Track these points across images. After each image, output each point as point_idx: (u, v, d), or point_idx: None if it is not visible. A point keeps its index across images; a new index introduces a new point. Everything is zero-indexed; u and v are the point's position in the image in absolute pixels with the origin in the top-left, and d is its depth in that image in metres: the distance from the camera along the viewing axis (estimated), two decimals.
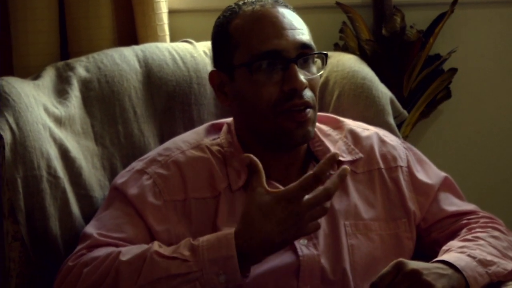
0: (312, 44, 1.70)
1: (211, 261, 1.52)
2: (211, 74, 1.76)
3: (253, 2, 1.72)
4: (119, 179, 1.73)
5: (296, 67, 1.66)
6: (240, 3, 1.74)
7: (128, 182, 1.70)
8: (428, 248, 1.80)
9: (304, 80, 1.66)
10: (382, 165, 1.79)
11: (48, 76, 1.89)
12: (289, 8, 1.73)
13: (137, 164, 1.74)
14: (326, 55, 1.75)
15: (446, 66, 2.27)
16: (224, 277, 1.51)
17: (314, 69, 1.71)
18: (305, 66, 1.69)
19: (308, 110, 1.67)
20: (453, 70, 2.27)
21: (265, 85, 1.66)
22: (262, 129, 1.69)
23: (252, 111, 1.69)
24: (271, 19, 1.69)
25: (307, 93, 1.67)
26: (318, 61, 1.80)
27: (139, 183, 1.69)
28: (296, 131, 1.67)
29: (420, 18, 2.24)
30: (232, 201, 1.69)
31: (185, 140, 1.76)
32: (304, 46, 1.68)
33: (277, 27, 1.68)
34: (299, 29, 1.70)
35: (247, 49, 1.68)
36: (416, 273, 1.54)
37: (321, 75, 1.77)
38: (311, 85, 1.69)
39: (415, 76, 2.23)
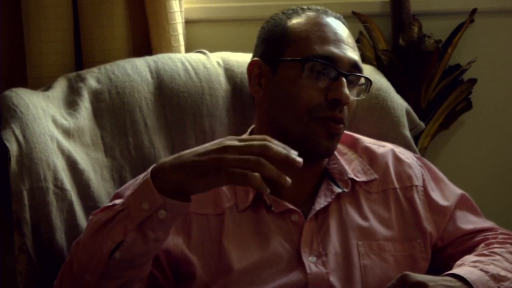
0: (362, 68, 1.72)
1: (133, 195, 1.48)
2: (252, 63, 1.76)
3: (318, 10, 1.75)
4: (122, 187, 1.72)
5: (345, 80, 1.66)
6: (304, 7, 1.77)
7: (130, 187, 1.67)
8: (442, 263, 1.77)
9: (349, 95, 1.67)
10: (397, 185, 1.78)
11: (59, 87, 1.89)
12: (347, 28, 1.76)
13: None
14: (371, 82, 1.76)
15: (465, 77, 2.25)
16: (147, 204, 1.45)
17: (355, 92, 1.72)
18: (350, 85, 1.70)
19: (341, 125, 1.68)
20: (473, 81, 2.25)
21: (309, 87, 1.68)
22: (291, 129, 1.69)
23: (287, 109, 1.68)
24: (334, 29, 1.72)
25: (345, 111, 1.68)
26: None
27: None
28: (324, 142, 1.68)
29: (439, 28, 2.22)
30: (238, 221, 1.68)
31: None
32: (355, 65, 1.71)
33: (338, 38, 1.71)
34: (355, 49, 1.73)
35: (303, 47, 1.69)
36: (422, 285, 1.51)
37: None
38: (349, 105, 1.70)
39: (434, 86, 2.21)
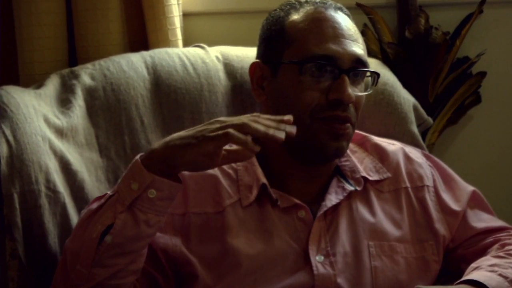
0: (367, 61, 1.68)
1: (123, 179, 1.52)
2: (253, 65, 1.73)
3: (316, 3, 1.70)
4: None
5: (347, 78, 1.62)
6: (302, 0, 1.72)
7: None
8: (453, 265, 1.74)
9: (352, 94, 1.63)
10: (408, 184, 1.76)
11: (52, 85, 1.86)
12: (350, 18, 1.71)
13: None
14: (378, 75, 1.72)
15: (474, 70, 2.23)
16: (136, 184, 1.49)
17: (362, 86, 1.68)
18: (354, 81, 1.66)
19: (347, 124, 1.64)
20: (482, 74, 2.23)
21: (310, 88, 1.64)
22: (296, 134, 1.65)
23: (288, 112, 1.63)
24: (332, 24, 1.67)
25: (351, 109, 1.64)
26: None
27: None
28: (330, 144, 1.64)
29: (446, 19, 2.19)
30: (242, 217, 1.66)
31: None
32: (358, 60, 1.66)
33: (337, 33, 1.66)
34: (357, 42, 1.68)
35: (301, 48, 1.66)
36: None
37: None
38: (356, 102, 1.66)
39: (441, 80, 2.19)
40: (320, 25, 1.67)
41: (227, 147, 1.49)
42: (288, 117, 1.50)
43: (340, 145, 1.65)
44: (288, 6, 1.72)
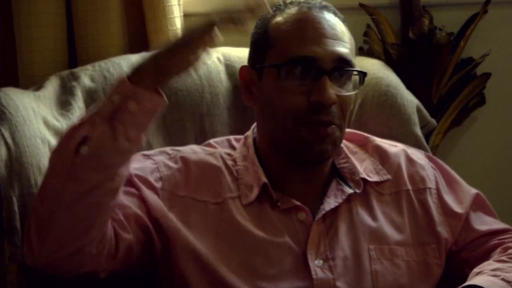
0: (351, 60, 1.64)
1: (108, 94, 1.51)
2: (242, 69, 1.72)
3: (300, 3, 1.67)
4: None
5: (327, 79, 1.60)
6: (288, 1, 1.70)
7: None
8: (456, 268, 1.73)
9: (333, 95, 1.60)
10: (410, 187, 1.74)
11: (51, 86, 1.85)
12: (338, 17, 1.68)
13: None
14: (364, 74, 1.68)
15: (479, 71, 2.23)
16: (117, 97, 1.48)
17: (349, 86, 1.65)
18: (339, 81, 1.63)
19: (332, 126, 1.62)
20: (487, 75, 2.22)
21: (291, 92, 1.62)
22: (280, 137, 1.65)
23: (272, 116, 1.65)
24: (314, 24, 1.64)
25: (334, 110, 1.61)
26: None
27: (142, 163, 1.68)
28: (314, 146, 1.62)
29: (450, 20, 2.19)
30: (240, 214, 1.65)
31: (201, 147, 1.76)
32: (341, 59, 1.63)
33: (318, 34, 1.63)
34: (341, 40, 1.64)
35: (281, 51, 1.63)
36: None
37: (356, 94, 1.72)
38: (342, 103, 1.63)
39: (445, 81, 2.19)
40: (301, 26, 1.64)
41: None
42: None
43: (324, 147, 1.63)
44: (274, 8, 1.70)
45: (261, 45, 1.68)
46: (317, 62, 1.60)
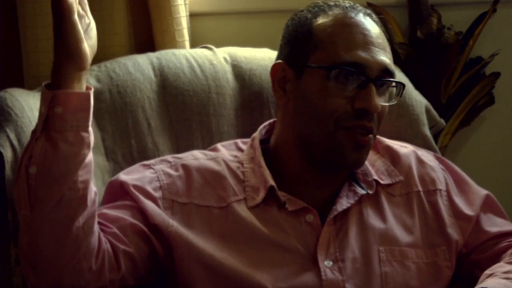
0: (394, 71, 1.65)
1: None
2: (276, 66, 1.70)
3: (345, 7, 1.67)
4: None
5: (374, 88, 1.60)
6: (330, 3, 1.69)
7: (127, 171, 1.69)
8: (467, 270, 1.72)
9: (379, 104, 1.60)
10: (420, 188, 1.74)
11: None
12: (378, 25, 1.68)
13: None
14: (403, 86, 1.69)
15: (488, 70, 2.21)
16: (43, 107, 1.49)
17: (386, 96, 1.66)
18: (380, 91, 1.63)
19: (370, 135, 1.62)
20: (496, 74, 2.21)
21: (336, 95, 1.62)
22: (316, 140, 1.64)
23: (311, 117, 1.63)
24: (363, 30, 1.64)
25: (375, 119, 1.62)
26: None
27: (141, 173, 1.67)
28: (351, 153, 1.62)
29: (459, 19, 2.18)
30: (246, 217, 1.64)
31: (203, 152, 1.74)
32: (386, 70, 1.64)
33: (367, 41, 1.64)
34: (386, 51, 1.65)
35: (329, 53, 1.63)
36: None
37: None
38: (380, 113, 1.64)
39: (454, 81, 2.17)
40: (349, 30, 1.63)
41: None
42: None
43: (360, 156, 1.63)
44: (316, 8, 1.69)
45: (303, 44, 1.66)
46: (365, 69, 1.61)
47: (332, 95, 1.61)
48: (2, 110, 1.69)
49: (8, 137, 1.66)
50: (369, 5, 2.14)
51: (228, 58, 1.97)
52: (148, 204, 1.62)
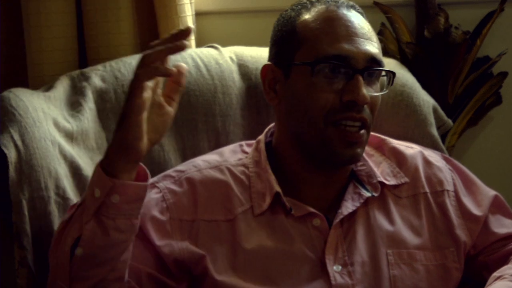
0: (382, 60, 1.64)
1: (89, 185, 1.50)
2: (265, 67, 1.70)
3: (327, 1, 1.66)
4: None
5: (361, 79, 1.59)
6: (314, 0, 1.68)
7: None
8: (475, 272, 1.72)
9: (367, 95, 1.59)
10: (427, 189, 1.73)
11: (62, 87, 1.84)
12: (363, 16, 1.67)
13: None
14: (394, 74, 1.67)
15: (495, 70, 2.20)
16: (98, 191, 1.46)
17: (378, 86, 1.65)
18: (369, 81, 1.63)
19: (362, 131, 1.61)
20: (503, 74, 2.19)
21: (323, 90, 1.61)
22: (308, 137, 1.63)
23: (302, 115, 1.63)
24: (345, 22, 1.63)
25: (366, 110, 1.61)
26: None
27: (146, 196, 1.64)
28: (344, 151, 1.61)
29: (466, 18, 2.17)
30: (254, 226, 1.63)
31: (205, 160, 1.72)
32: (373, 60, 1.63)
33: (350, 32, 1.63)
34: (371, 40, 1.64)
35: (312, 48, 1.62)
36: None
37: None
38: (372, 103, 1.62)
39: (461, 81, 2.16)
40: (332, 24, 1.63)
41: None
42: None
43: (354, 152, 1.62)
44: (299, 6, 1.69)
45: (288, 43, 1.66)
46: (350, 61, 1.60)
47: (319, 91, 1.60)
48: (6, 110, 1.68)
49: (12, 137, 1.65)
50: (376, 4, 2.15)
51: (234, 57, 1.96)
52: (157, 240, 1.60)
